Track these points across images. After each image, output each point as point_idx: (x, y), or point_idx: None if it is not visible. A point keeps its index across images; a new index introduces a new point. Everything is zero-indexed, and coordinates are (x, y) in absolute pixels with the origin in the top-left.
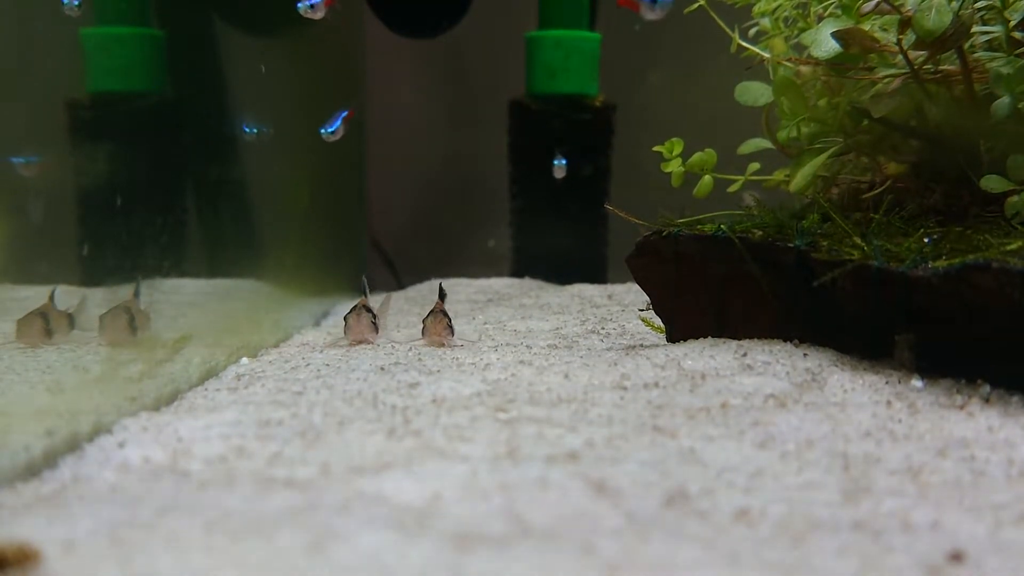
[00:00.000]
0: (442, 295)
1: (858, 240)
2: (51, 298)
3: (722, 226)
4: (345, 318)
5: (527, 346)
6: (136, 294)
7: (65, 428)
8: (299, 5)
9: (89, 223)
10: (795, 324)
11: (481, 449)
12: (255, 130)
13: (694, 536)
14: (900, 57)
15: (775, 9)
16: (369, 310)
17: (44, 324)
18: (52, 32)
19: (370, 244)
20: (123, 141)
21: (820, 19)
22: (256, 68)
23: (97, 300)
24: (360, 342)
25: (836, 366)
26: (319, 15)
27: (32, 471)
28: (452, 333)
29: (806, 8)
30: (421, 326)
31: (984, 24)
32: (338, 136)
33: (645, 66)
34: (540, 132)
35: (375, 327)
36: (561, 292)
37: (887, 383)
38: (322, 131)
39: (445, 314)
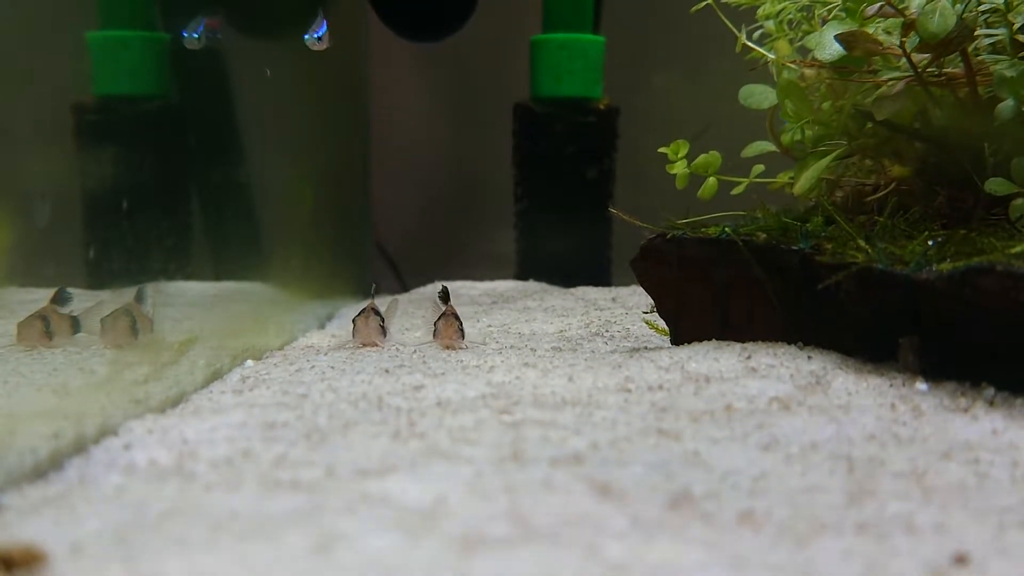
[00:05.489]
0: (446, 297)
1: (862, 243)
2: (53, 300)
3: (726, 229)
4: (353, 320)
5: (531, 349)
6: (139, 299)
7: (71, 430)
8: (305, 37)
9: (95, 226)
10: (799, 327)
11: (486, 451)
12: (196, 35)
13: (698, 538)
14: (904, 60)
15: (779, 12)
16: (377, 313)
17: (44, 326)
18: (58, 35)
19: (375, 247)
20: (129, 144)
21: (824, 22)
22: (261, 72)
23: (109, 303)
24: (368, 345)
25: (840, 369)
26: (325, 46)
27: (38, 473)
28: (463, 336)
29: (810, 11)
30: (431, 328)
31: (988, 27)
32: (324, 45)
33: (649, 69)
34: (544, 135)
35: (383, 330)
36: (565, 295)
37: (891, 386)
38: (307, 37)
39: (456, 317)
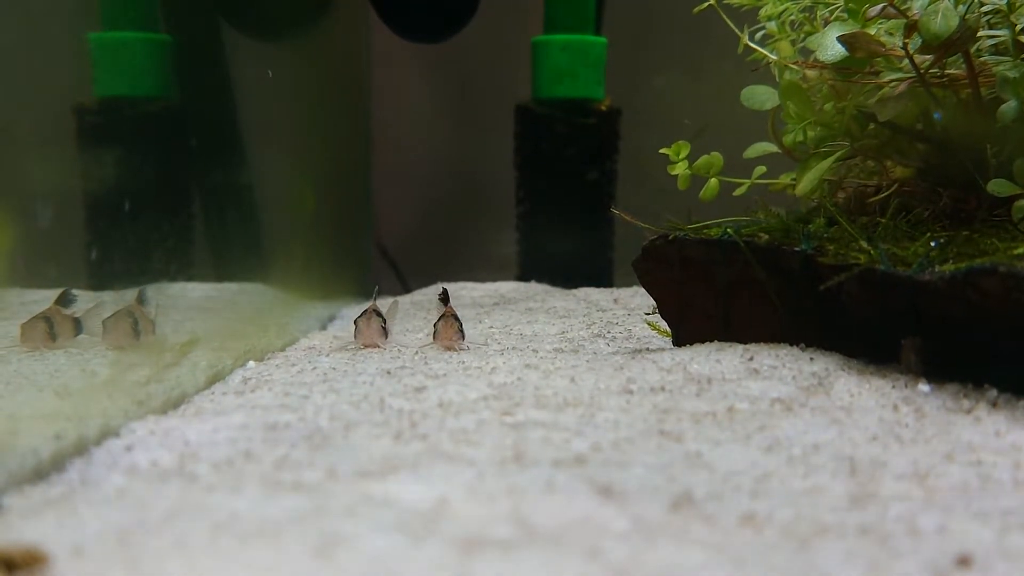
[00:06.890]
0: (445, 299)
1: (864, 244)
2: (57, 301)
3: (728, 230)
4: (355, 322)
5: (533, 350)
6: (141, 300)
7: (73, 432)
8: None
9: (97, 227)
10: (801, 328)
11: (487, 453)
12: None
13: (700, 540)
14: (906, 61)
15: (781, 13)
16: (379, 314)
17: (47, 328)
18: (60, 37)
19: (376, 248)
20: (131, 146)
21: (826, 23)
22: (263, 73)
23: (109, 304)
24: (369, 346)
25: (843, 370)
26: None
27: (40, 474)
28: (463, 337)
29: (812, 12)
30: (431, 330)
31: (990, 28)
32: None
33: (651, 70)
34: (546, 136)
35: (385, 332)
36: (567, 296)
37: (894, 387)
38: None
39: (456, 318)
